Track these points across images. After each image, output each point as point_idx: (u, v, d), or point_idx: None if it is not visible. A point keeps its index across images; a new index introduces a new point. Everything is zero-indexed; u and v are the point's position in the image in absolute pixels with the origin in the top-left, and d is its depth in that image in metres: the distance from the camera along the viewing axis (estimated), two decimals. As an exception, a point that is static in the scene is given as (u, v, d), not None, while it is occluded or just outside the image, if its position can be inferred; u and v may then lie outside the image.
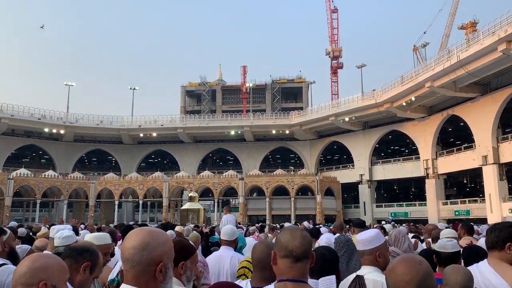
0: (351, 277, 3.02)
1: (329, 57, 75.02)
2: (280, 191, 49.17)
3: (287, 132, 56.86)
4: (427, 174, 45.85)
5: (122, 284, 1.67)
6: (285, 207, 47.43)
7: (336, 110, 50.84)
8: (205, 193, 53.36)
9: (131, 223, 15.55)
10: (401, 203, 51.32)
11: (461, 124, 42.73)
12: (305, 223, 14.40)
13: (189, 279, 2.64)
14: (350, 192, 57.39)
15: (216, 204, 49.35)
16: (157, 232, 1.71)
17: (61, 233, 4.11)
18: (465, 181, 48.82)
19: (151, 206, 54.82)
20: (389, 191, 58.43)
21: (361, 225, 6.17)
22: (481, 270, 2.64)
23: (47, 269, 1.76)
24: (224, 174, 51.43)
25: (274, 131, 56.97)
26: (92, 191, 49.82)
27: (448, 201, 45.23)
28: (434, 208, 44.42)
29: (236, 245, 5.04)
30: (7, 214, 43.38)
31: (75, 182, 49.71)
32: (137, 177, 51.95)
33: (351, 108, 49.10)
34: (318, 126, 54.88)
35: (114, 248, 4.27)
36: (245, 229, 12.79)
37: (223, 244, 4.99)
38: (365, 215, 49.25)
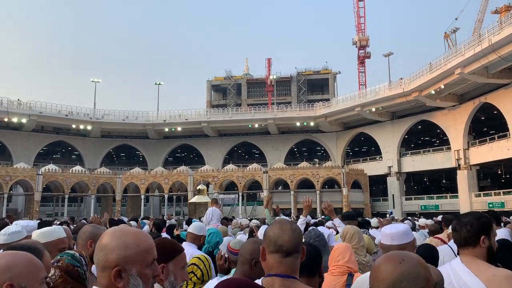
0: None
1: (356, 46, 73.10)
2: (306, 184, 48.37)
3: (312, 124, 55.86)
4: (459, 165, 44.03)
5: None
6: (310, 201, 46.53)
7: (362, 101, 49.47)
8: (231, 187, 53.27)
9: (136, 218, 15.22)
10: (432, 195, 49.55)
11: (495, 112, 40.75)
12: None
13: (174, 285, 2.22)
14: (378, 184, 56.00)
15: (240, 197, 49.14)
16: (123, 233, 1.56)
17: (6, 229, 3.65)
18: (499, 172, 46.68)
19: (177, 200, 55.17)
20: (419, 183, 56.63)
21: (351, 217, 5.48)
22: (454, 269, 2.33)
23: (12, 268, 1.54)
24: (248, 168, 51.05)
25: (298, 123, 56.06)
26: (118, 185, 50.45)
27: (481, 193, 43.28)
28: (466, 200, 42.61)
29: (201, 242, 4.55)
30: (37, 209, 44.52)
31: (102, 177, 50.44)
32: (162, 171, 52.28)
33: (377, 98, 47.66)
34: (344, 117, 53.64)
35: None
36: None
37: (187, 239, 4.51)
38: (394, 208, 47.92)
